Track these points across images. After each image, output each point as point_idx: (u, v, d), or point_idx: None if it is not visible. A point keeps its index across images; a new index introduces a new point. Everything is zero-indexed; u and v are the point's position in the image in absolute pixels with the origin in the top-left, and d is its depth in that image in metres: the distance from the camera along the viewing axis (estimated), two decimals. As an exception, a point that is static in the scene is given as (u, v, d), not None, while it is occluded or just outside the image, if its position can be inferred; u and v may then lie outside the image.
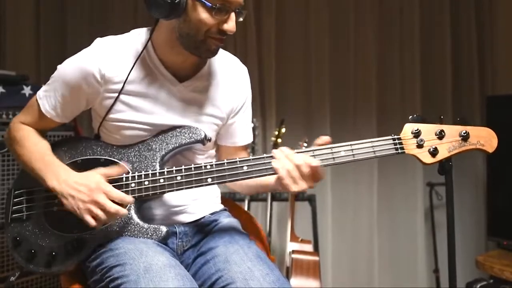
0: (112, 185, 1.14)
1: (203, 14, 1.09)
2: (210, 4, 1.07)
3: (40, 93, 1.24)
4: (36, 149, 1.20)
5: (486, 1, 2.86)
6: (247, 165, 1.13)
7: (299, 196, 2.48)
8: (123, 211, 1.09)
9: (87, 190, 1.08)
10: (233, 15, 1.11)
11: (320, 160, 1.11)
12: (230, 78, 1.31)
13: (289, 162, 1.07)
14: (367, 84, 2.83)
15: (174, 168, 1.16)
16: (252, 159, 1.13)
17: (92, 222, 1.08)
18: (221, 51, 1.30)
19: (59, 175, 1.12)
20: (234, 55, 1.37)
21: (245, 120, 1.38)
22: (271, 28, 2.78)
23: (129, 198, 1.11)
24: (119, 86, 1.18)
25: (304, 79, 2.84)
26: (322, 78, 2.81)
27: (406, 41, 2.86)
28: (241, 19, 1.15)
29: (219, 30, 1.12)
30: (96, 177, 1.11)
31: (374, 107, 2.83)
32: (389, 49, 2.87)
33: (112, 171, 1.15)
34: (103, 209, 1.07)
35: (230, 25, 1.12)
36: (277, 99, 2.80)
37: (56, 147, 1.25)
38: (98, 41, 1.21)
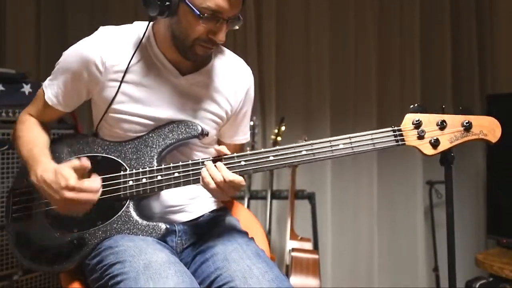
0: (110, 183, 1.15)
1: (192, 22, 1.09)
2: (198, 13, 1.07)
3: (46, 82, 1.26)
4: (32, 142, 1.20)
5: (486, 0, 2.86)
6: (244, 160, 1.13)
7: (298, 194, 2.48)
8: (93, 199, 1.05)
9: (57, 187, 1.03)
10: (224, 25, 1.11)
11: (319, 153, 1.11)
12: (233, 78, 1.31)
13: (212, 181, 1.08)
14: (367, 84, 2.83)
15: (171, 165, 1.16)
16: (250, 154, 1.13)
17: (75, 213, 1.07)
18: (227, 51, 1.31)
19: (37, 170, 1.09)
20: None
21: (245, 120, 1.39)
22: (271, 28, 2.77)
23: (96, 184, 1.05)
24: (120, 76, 1.18)
25: (304, 78, 2.84)
26: (322, 77, 2.81)
27: (406, 40, 2.85)
28: (236, 27, 1.14)
29: (208, 38, 1.12)
30: (66, 173, 1.04)
31: (373, 106, 2.83)
32: (389, 49, 2.86)
33: (78, 165, 1.06)
34: (76, 203, 1.04)
35: (219, 36, 1.11)
36: (277, 98, 2.80)
37: (54, 145, 1.26)
38: (101, 29, 1.22)
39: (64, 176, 1.03)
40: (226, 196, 1.11)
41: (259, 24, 2.79)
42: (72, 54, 1.20)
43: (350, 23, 2.83)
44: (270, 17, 2.77)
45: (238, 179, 1.08)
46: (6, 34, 2.64)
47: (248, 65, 1.38)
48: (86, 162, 1.05)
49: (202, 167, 1.13)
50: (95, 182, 1.06)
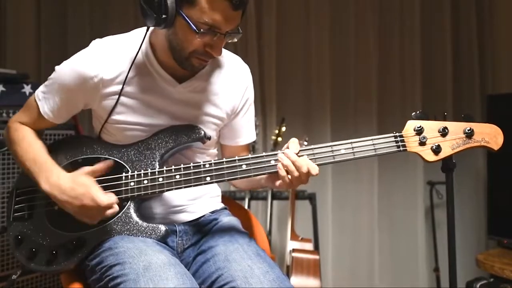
0: (111, 184, 1.15)
1: (188, 35, 1.08)
2: (195, 28, 1.05)
3: (39, 94, 1.23)
4: (31, 150, 1.20)
5: (486, 0, 2.86)
6: (245, 164, 1.13)
7: (299, 195, 2.48)
8: (112, 210, 1.10)
9: (76, 195, 1.09)
10: (220, 39, 1.09)
11: (320, 158, 1.12)
12: (231, 77, 1.30)
13: (295, 170, 1.07)
14: (367, 84, 2.84)
15: (173, 167, 1.16)
16: (251, 157, 1.13)
17: (88, 222, 1.11)
18: (223, 50, 1.29)
19: (49, 179, 1.12)
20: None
21: (248, 119, 1.37)
22: (271, 28, 2.78)
23: (113, 199, 1.10)
24: (118, 88, 1.18)
25: (304, 79, 2.84)
26: (322, 77, 2.81)
27: (406, 40, 2.86)
28: (235, 40, 1.13)
29: (204, 51, 1.11)
30: (85, 181, 1.10)
31: (374, 106, 2.83)
32: (389, 49, 2.87)
33: (98, 167, 1.16)
34: (94, 212, 1.09)
35: (215, 51, 1.11)
36: (277, 98, 2.80)
37: (57, 147, 1.26)
38: (96, 43, 1.21)
39: (84, 183, 1.09)
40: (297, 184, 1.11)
41: (259, 24, 2.80)
42: (68, 71, 1.18)
43: (350, 23, 2.83)
44: (270, 17, 2.77)
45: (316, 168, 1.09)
46: (7, 34, 2.64)
47: (248, 65, 1.36)
48: (108, 163, 1.16)
49: (203, 170, 1.14)
50: (110, 200, 1.10)
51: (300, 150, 1.12)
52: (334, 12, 2.82)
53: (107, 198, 1.08)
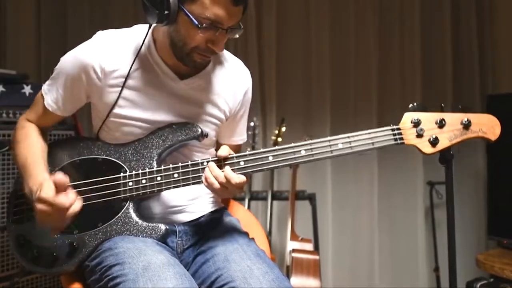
0: (110, 184, 1.16)
1: (191, 31, 1.08)
2: (197, 23, 1.06)
3: (45, 87, 1.25)
4: (27, 151, 1.19)
5: (486, 0, 2.86)
6: (243, 161, 1.13)
7: (299, 195, 2.48)
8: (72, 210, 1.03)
9: (34, 198, 1.04)
10: (222, 34, 1.10)
11: (318, 153, 1.11)
12: (232, 80, 1.31)
13: (215, 182, 1.08)
14: (367, 84, 2.83)
15: (171, 166, 1.16)
16: (249, 154, 1.13)
17: (56, 226, 1.08)
18: (225, 52, 1.31)
19: (29, 183, 1.10)
20: (235, 54, 1.37)
21: (244, 120, 1.40)
22: (271, 28, 2.78)
23: (66, 201, 1.01)
24: (120, 81, 1.18)
25: (304, 79, 2.85)
26: (322, 77, 2.81)
27: (406, 40, 2.86)
28: (237, 36, 1.14)
29: (206, 47, 1.12)
30: (45, 185, 1.02)
31: (374, 106, 2.83)
32: (389, 49, 2.87)
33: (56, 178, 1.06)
34: (49, 216, 1.03)
35: (217, 47, 1.11)
36: (277, 98, 2.81)
37: (55, 148, 1.26)
38: (99, 34, 1.21)
39: (40, 188, 1.01)
40: (229, 195, 1.13)
41: (259, 24, 2.80)
42: (70, 60, 1.19)
43: (350, 23, 2.83)
44: (270, 17, 2.78)
45: (241, 178, 1.08)
46: (7, 34, 2.64)
47: (248, 65, 1.38)
48: (60, 178, 1.02)
49: (201, 168, 1.14)
50: (67, 198, 1.02)
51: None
52: (334, 12, 2.83)
53: (63, 202, 1.01)
